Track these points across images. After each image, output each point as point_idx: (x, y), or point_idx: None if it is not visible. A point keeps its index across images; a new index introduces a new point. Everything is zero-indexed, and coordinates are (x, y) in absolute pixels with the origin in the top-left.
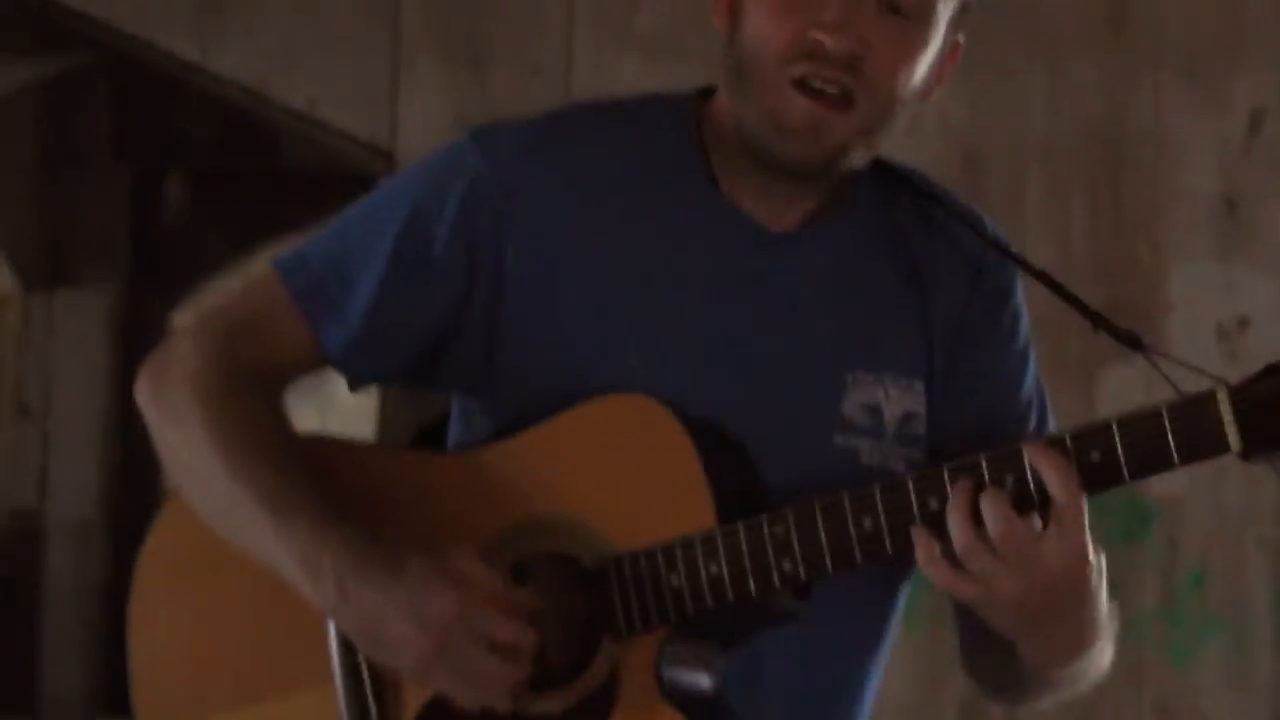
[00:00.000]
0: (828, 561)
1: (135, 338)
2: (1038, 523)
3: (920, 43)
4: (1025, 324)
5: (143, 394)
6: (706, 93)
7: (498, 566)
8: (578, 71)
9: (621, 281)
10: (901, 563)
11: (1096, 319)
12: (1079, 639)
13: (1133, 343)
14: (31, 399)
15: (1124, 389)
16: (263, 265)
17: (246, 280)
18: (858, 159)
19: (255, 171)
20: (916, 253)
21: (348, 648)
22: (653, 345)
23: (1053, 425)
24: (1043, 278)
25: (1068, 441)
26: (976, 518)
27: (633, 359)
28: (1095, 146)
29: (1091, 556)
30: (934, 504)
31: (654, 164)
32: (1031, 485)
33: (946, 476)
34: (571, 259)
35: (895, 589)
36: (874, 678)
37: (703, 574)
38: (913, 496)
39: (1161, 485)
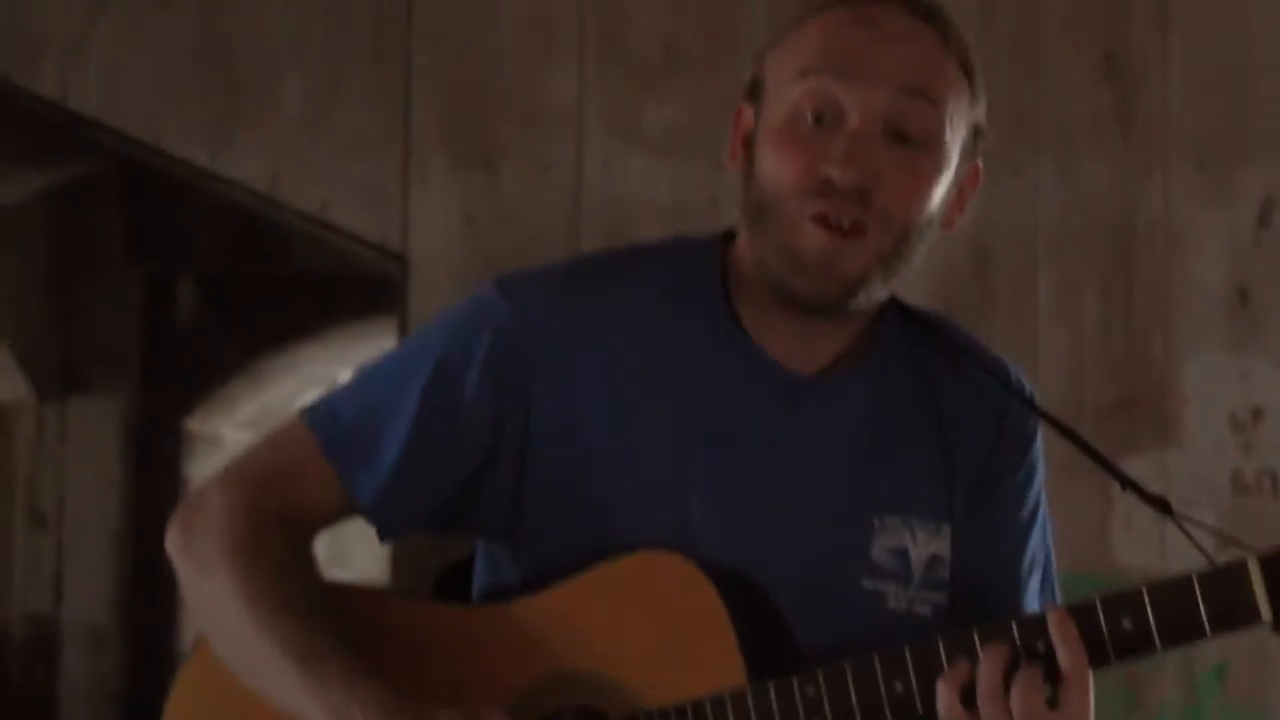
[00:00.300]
0: None
1: (148, 443)
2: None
3: (930, 170)
4: (1040, 477)
5: (173, 543)
6: (729, 236)
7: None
8: (588, 169)
9: (649, 430)
10: None
11: (1125, 481)
12: None
13: (1162, 507)
14: (45, 505)
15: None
16: (291, 416)
17: (274, 430)
18: (877, 291)
19: (266, 275)
20: (941, 398)
21: None
22: (681, 494)
23: (1055, 585)
24: (1069, 435)
25: (1099, 607)
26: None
27: (661, 509)
28: (1106, 239)
29: None
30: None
31: (680, 309)
32: (1041, 657)
33: (977, 639)
34: (599, 407)
35: None
36: None
37: None
38: (943, 658)
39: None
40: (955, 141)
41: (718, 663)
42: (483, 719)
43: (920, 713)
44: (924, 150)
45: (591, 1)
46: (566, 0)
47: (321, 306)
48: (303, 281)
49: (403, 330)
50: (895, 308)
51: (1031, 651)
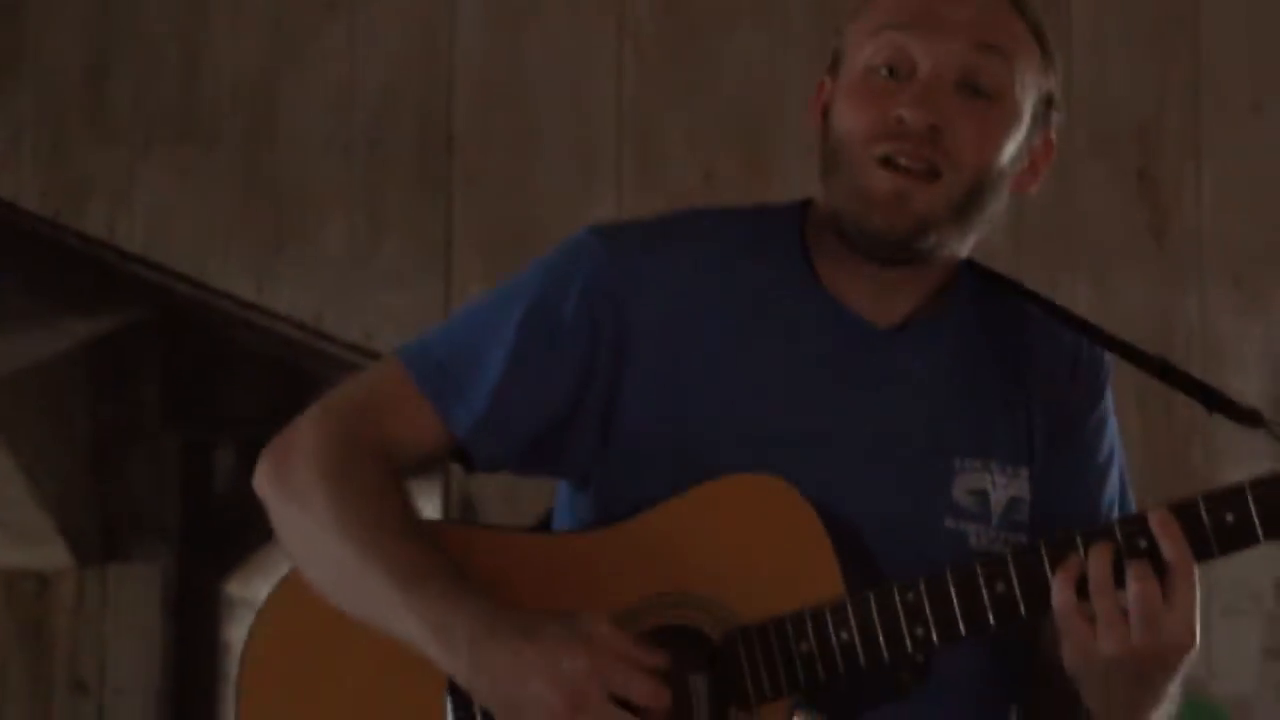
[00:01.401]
0: (961, 625)
1: (188, 608)
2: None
3: (1000, 120)
4: (1114, 424)
5: (262, 477)
6: (806, 202)
7: (627, 633)
8: None
9: (736, 374)
10: (1022, 654)
11: (1210, 400)
12: (1147, 709)
13: (1253, 419)
14: (86, 673)
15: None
16: (385, 355)
17: (366, 371)
18: (950, 240)
19: None
20: (1016, 347)
21: (466, 716)
22: (769, 436)
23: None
24: (1149, 360)
25: (1200, 503)
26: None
27: (749, 448)
28: None
29: (1197, 638)
30: (1075, 560)
31: (764, 264)
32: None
33: (1080, 541)
34: (688, 350)
35: (1011, 689)
36: None
37: (834, 641)
38: (1045, 558)
39: (1231, 685)
40: (1026, 101)
41: (818, 582)
42: (585, 626)
43: (1023, 613)
44: (994, 102)
45: (630, 131)
46: (605, 131)
47: None
48: None
49: (446, 472)
50: (969, 266)
51: (1134, 548)
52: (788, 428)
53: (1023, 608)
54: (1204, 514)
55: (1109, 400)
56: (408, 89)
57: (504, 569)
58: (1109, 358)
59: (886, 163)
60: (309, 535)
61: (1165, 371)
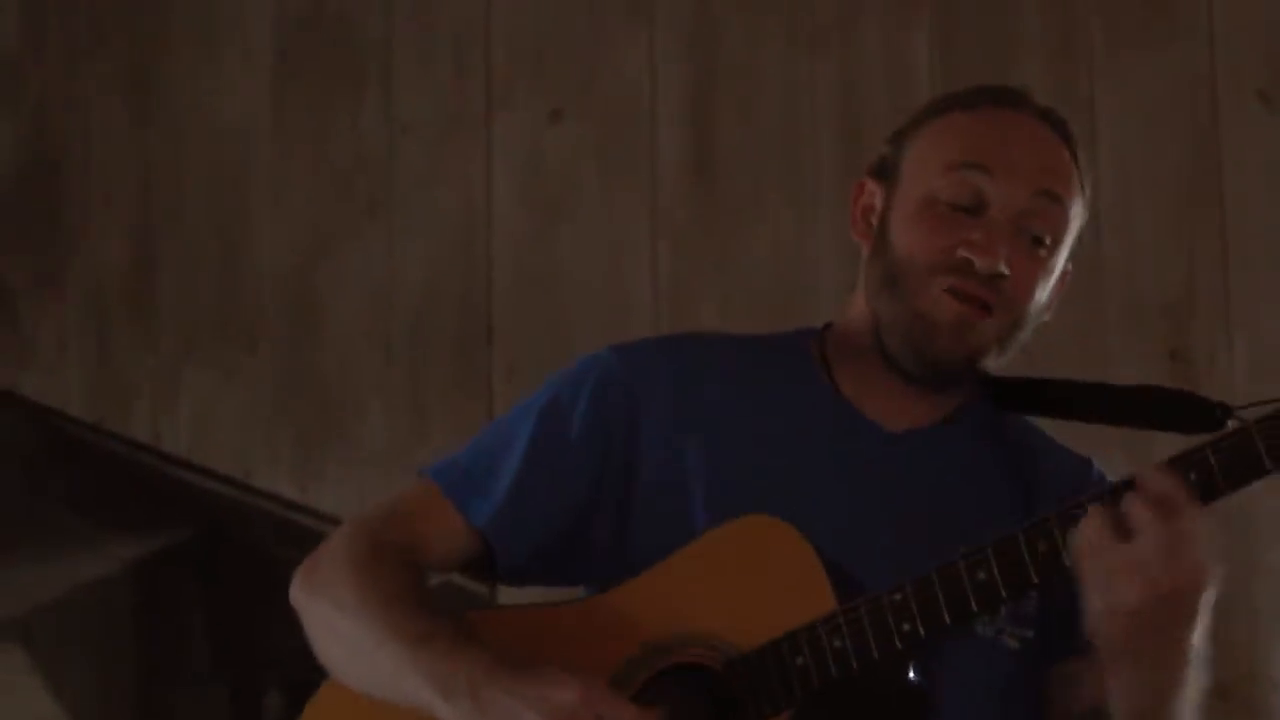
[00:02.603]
0: (945, 615)
1: None
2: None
3: (1050, 266)
4: None
5: (295, 584)
6: (824, 327)
7: (629, 685)
8: None
9: (748, 468)
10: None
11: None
12: (1175, 674)
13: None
14: None
15: None
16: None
17: (397, 489)
18: (988, 366)
19: None
20: (1025, 466)
21: None
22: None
23: None
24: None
25: (1209, 451)
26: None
27: None
28: None
29: (1209, 576)
30: (1043, 547)
31: (779, 370)
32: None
33: (1055, 522)
34: (700, 445)
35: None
36: None
37: (827, 649)
38: (1023, 548)
39: None
40: (1069, 242)
41: (813, 606)
42: (588, 685)
43: (1004, 597)
44: (1048, 249)
45: (666, 316)
46: (641, 317)
47: None
48: None
49: None
50: (990, 380)
51: (1129, 500)
52: (793, 514)
53: (1003, 591)
54: (1209, 456)
55: None
56: (446, 284)
57: (514, 636)
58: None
59: (951, 293)
60: (333, 622)
61: (1147, 405)
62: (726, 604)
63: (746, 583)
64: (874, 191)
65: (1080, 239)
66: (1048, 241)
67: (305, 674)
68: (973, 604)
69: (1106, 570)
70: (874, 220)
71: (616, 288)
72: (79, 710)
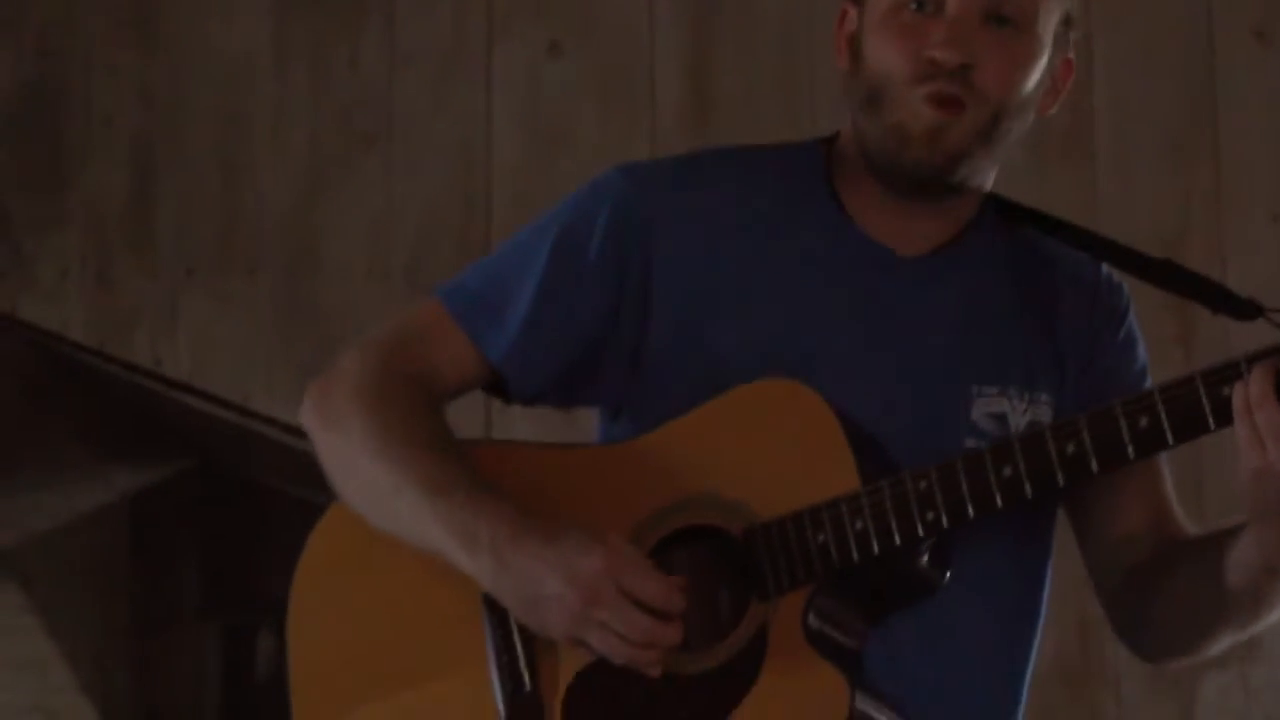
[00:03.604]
0: (969, 508)
1: None
2: None
3: (1025, 51)
4: (1142, 344)
5: (306, 407)
6: (830, 138)
7: (646, 541)
8: None
9: (761, 298)
10: (1041, 555)
11: (1214, 299)
12: None
13: (1253, 311)
14: None
15: (1222, 698)
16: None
17: (405, 309)
18: (978, 170)
19: None
20: (1037, 275)
21: (501, 621)
22: (791, 356)
23: None
24: (1158, 268)
25: None
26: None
27: (772, 367)
28: None
29: None
30: (1071, 447)
31: (789, 197)
32: None
33: (1082, 420)
34: (713, 276)
35: (1037, 593)
36: (1015, 686)
37: (849, 530)
38: (1050, 444)
39: None
40: (1049, 26)
41: (836, 480)
42: (602, 534)
43: (1028, 494)
44: (1020, 33)
45: None
46: None
47: None
48: None
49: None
50: (992, 197)
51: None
52: (810, 349)
53: (1028, 487)
54: None
55: (1132, 323)
56: (445, 216)
57: (534, 479)
58: (1127, 289)
59: (932, 99)
60: (346, 458)
61: (1168, 274)
62: (747, 468)
63: (769, 448)
64: (851, 15)
65: (1070, 22)
66: (1019, 23)
67: None
68: (998, 499)
69: (1267, 428)
70: (853, 43)
71: None
72: (76, 652)
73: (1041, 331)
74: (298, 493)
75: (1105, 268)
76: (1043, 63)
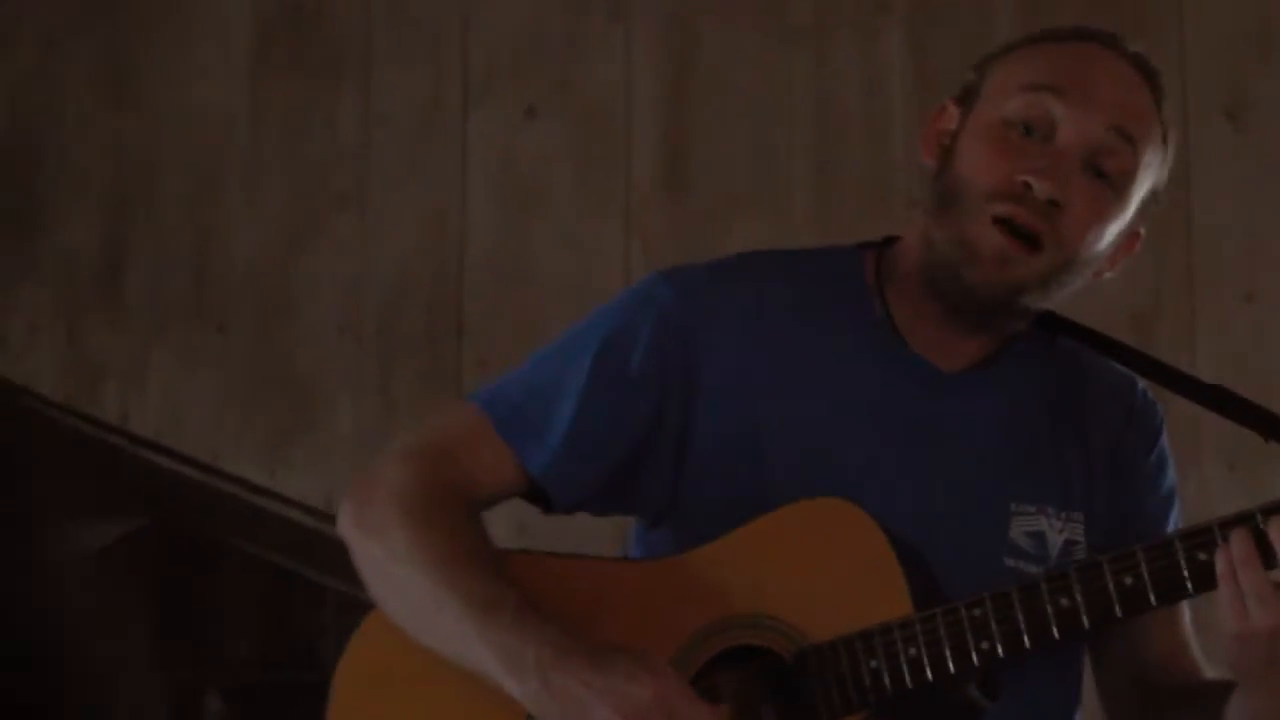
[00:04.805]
0: (1025, 639)
1: None
2: None
3: (1114, 209)
4: (1172, 467)
5: (345, 516)
6: (888, 240)
7: (692, 662)
8: None
9: (804, 410)
10: (1077, 673)
11: (1272, 428)
12: None
13: None
14: None
15: None
16: (458, 403)
17: (442, 414)
18: (1031, 305)
19: (293, 684)
20: (1074, 393)
21: None
22: (837, 473)
23: None
24: (1209, 393)
25: None
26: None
27: (815, 479)
28: None
29: None
30: (1129, 580)
31: (834, 303)
32: None
33: (1140, 553)
34: (757, 382)
35: (1072, 706)
36: None
37: (902, 657)
38: (1108, 574)
39: None
40: (1139, 193)
41: (887, 603)
42: (652, 659)
43: (1085, 625)
44: (1115, 190)
45: None
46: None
47: None
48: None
49: None
50: (1042, 313)
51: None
52: (856, 462)
53: (1085, 620)
54: None
55: (1165, 445)
56: (418, 277)
57: (577, 595)
58: (1161, 406)
59: (1000, 223)
60: (388, 570)
61: (1220, 400)
62: (796, 588)
63: (818, 568)
64: (952, 114)
65: (1156, 196)
66: (1115, 181)
67: (249, 679)
68: (1054, 631)
69: (1246, 594)
70: (945, 141)
71: (587, 286)
72: None
73: (1077, 448)
74: (264, 555)
75: (1141, 385)
76: (1124, 224)
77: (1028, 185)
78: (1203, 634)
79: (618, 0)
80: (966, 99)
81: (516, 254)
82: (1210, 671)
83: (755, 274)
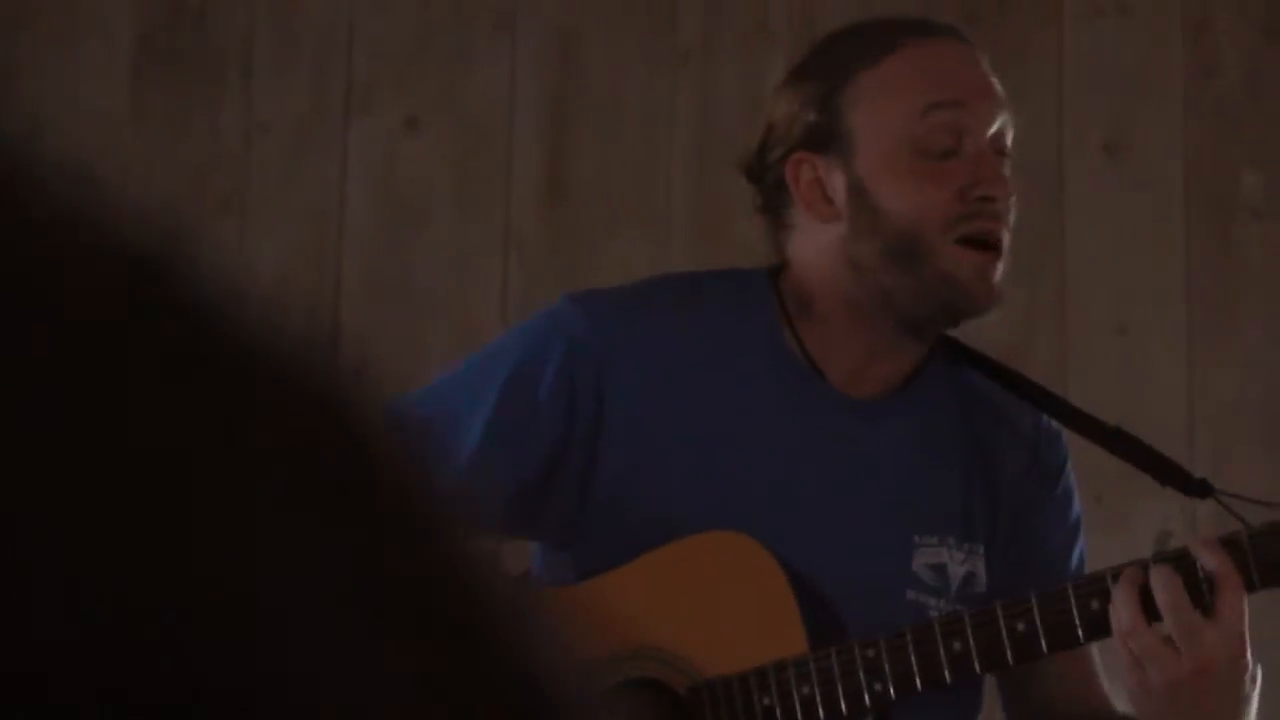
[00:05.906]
0: (918, 681)
1: None
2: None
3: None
4: (1077, 498)
5: None
6: (776, 271)
7: None
8: None
9: (710, 441)
10: (975, 708)
11: (1163, 473)
12: None
13: (1202, 489)
14: None
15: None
16: None
17: None
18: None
19: None
20: (979, 421)
21: None
22: (738, 503)
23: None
24: (1107, 434)
25: (1245, 537)
26: (1142, 606)
27: (718, 511)
28: None
29: (1250, 657)
30: (1021, 626)
31: (743, 334)
32: (1200, 575)
33: (1034, 599)
34: (664, 418)
35: None
36: None
37: (795, 696)
38: (1001, 619)
39: None
40: None
41: (783, 638)
42: None
43: (978, 670)
44: (1009, 160)
45: (515, 305)
46: (490, 332)
47: None
48: None
49: None
50: (946, 340)
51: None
52: (757, 494)
53: (977, 665)
54: (1248, 546)
55: (1069, 476)
56: (295, 283)
57: None
58: (1065, 438)
59: (969, 243)
60: None
61: (1119, 442)
62: (693, 622)
63: (715, 603)
64: (818, 164)
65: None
66: (1009, 153)
67: None
68: (946, 674)
69: (1139, 657)
70: (836, 195)
71: (464, 299)
72: None
73: (980, 480)
74: None
75: (1045, 416)
76: None
77: (988, 199)
78: (1108, 655)
79: (504, 11)
80: (826, 143)
81: (394, 265)
82: (1120, 703)
83: (666, 302)
